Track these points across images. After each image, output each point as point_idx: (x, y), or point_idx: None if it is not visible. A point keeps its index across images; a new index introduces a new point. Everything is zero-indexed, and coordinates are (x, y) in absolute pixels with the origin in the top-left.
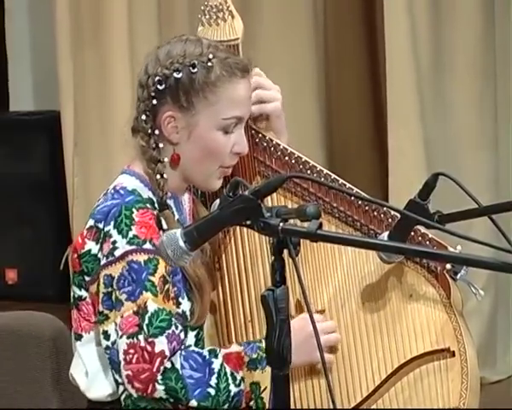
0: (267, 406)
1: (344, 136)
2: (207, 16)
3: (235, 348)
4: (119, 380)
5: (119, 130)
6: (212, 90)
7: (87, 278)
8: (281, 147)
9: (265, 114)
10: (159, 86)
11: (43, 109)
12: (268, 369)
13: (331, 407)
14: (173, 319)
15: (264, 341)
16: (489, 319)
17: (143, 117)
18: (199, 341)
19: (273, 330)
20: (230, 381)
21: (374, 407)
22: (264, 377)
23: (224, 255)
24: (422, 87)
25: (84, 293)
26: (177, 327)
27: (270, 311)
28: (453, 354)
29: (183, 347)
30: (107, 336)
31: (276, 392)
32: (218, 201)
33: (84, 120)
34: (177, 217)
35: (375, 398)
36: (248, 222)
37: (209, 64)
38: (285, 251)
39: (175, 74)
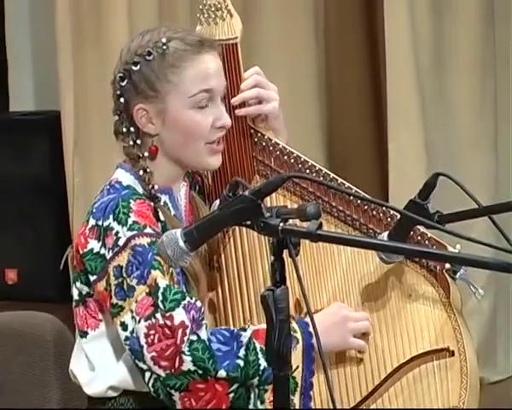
0: (299, 385)
1: (344, 136)
2: (206, 15)
3: (264, 325)
4: (144, 367)
5: None
6: (173, 72)
7: (92, 277)
8: (280, 146)
9: (263, 115)
10: (121, 83)
11: (43, 109)
12: (299, 348)
13: (331, 406)
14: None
15: (293, 320)
16: (489, 319)
17: (116, 117)
18: None
19: (273, 330)
20: (260, 355)
21: (373, 406)
22: (295, 356)
23: (223, 255)
24: (423, 87)
25: (91, 290)
26: (191, 297)
27: (270, 311)
28: (453, 354)
29: (204, 321)
30: (124, 326)
31: (276, 392)
32: (218, 201)
33: (84, 120)
34: (173, 213)
35: (375, 398)
36: (248, 222)
37: (164, 48)
38: (285, 251)
39: (133, 67)
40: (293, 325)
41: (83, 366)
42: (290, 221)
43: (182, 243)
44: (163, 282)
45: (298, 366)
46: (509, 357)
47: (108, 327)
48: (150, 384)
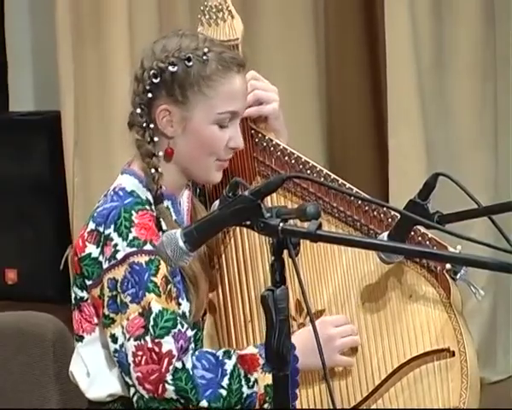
0: None
1: (344, 136)
2: (207, 16)
3: (250, 349)
4: (130, 382)
5: (120, 130)
6: (208, 85)
7: (88, 282)
8: (280, 147)
9: (263, 116)
10: (154, 80)
11: (43, 109)
12: None
13: (331, 407)
14: (178, 317)
15: None
16: (489, 319)
17: (138, 110)
18: (197, 341)
19: (273, 330)
20: (243, 382)
21: (374, 407)
22: None
23: (223, 255)
24: (423, 88)
25: (85, 294)
26: (182, 325)
27: (270, 311)
28: (453, 354)
29: (192, 345)
30: (114, 339)
31: (276, 392)
32: (217, 201)
33: (84, 120)
34: (174, 218)
35: (375, 398)
36: (248, 222)
37: (204, 58)
38: (285, 251)
39: (170, 68)
40: None
41: (81, 370)
42: (290, 221)
43: (181, 243)
44: (156, 307)
45: None
46: (509, 357)
47: (103, 332)
48: (134, 400)
